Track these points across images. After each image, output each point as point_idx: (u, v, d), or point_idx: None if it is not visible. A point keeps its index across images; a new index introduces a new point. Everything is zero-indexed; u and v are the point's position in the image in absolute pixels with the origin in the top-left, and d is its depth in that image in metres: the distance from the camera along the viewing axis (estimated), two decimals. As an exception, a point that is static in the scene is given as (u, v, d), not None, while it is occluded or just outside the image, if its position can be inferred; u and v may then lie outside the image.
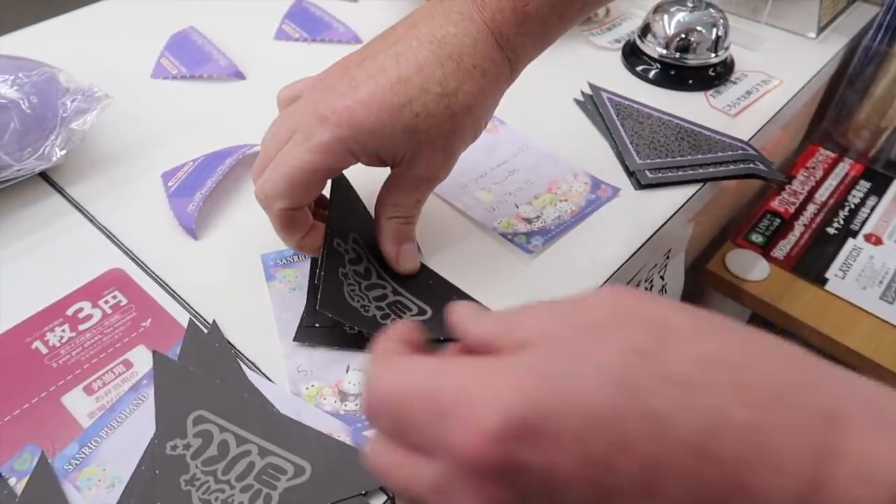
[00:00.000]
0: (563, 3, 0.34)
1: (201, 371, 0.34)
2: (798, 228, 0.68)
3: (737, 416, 0.18)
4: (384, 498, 0.30)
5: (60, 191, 0.45)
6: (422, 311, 0.37)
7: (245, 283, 0.39)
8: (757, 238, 0.68)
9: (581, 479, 0.18)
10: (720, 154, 0.49)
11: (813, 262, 0.65)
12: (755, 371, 0.19)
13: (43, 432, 0.32)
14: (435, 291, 0.39)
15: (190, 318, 0.37)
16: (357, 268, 0.38)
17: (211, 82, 0.55)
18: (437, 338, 0.35)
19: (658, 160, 0.48)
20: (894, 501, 0.16)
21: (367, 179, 0.40)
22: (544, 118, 0.52)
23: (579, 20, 0.37)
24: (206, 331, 0.36)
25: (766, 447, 0.17)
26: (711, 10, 0.56)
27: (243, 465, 0.30)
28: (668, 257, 0.51)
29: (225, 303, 0.38)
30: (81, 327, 0.37)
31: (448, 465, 0.20)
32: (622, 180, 0.47)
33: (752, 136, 0.52)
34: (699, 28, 0.56)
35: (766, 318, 0.64)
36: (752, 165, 0.48)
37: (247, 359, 0.35)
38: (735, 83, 0.58)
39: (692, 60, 0.56)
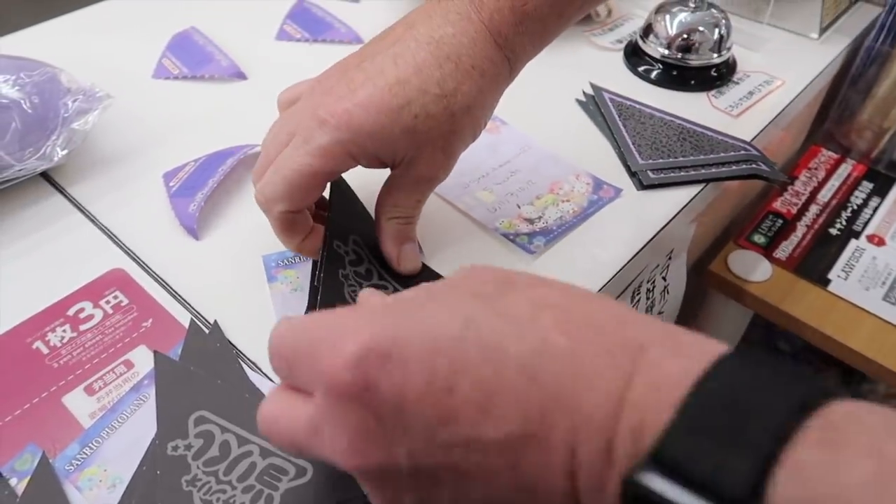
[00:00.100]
0: (561, 2, 0.34)
1: (203, 371, 0.34)
2: (800, 229, 0.68)
3: (558, 344, 0.21)
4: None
5: (62, 191, 0.45)
6: None
7: (246, 283, 0.39)
8: (759, 239, 0.67)
9: (426, 401, 0.21)
10: (722, 154, 0.49)
11: (815, 262, 0.65)
12: (576, 311, 0.22)
13: (44, 433, 0.32)
14: None
15: (191, 319, 0.37)
16: (358, 269, 0.38)
17: (212, 82, 0.55)
18: None
19: (660, 161, 0.48)
20: (674, 402, 0.18)
21: (366, 180, 0.40)
22: (546, 118, 0.52)
23: (578, 18, 0.37)
24: (207, 331, 0.36)
25: (581, 369, 0.20)
26: (713, 10, 0.56)
27: (245, 466, 0.30)
28: (670, 258, 0.51)
29: (226, 303, 0.38)
30: (82, 327, 0.37)
31: (319, 398, 0.23)
32: (624, 181, 0.47)
33: (755, 137, 0.52)
34: (701, 28, 0.56)
35: (769, 319, 0.64)
36: (754, 166, 0.48)
37: (248, 359, 0.35)
38: (737, 83, 0.58)
39: (694, 61, 0.56)
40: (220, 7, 0.65)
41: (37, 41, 0.59)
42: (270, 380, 0.34)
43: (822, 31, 0.64)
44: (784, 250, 0.66)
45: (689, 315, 0.71)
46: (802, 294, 0.63)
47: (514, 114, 0.51)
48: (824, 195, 0.71)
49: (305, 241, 0.37)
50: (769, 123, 0.54)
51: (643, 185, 0.46)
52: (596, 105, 0.54)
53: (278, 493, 0.30)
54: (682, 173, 0.47)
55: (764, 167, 0.48)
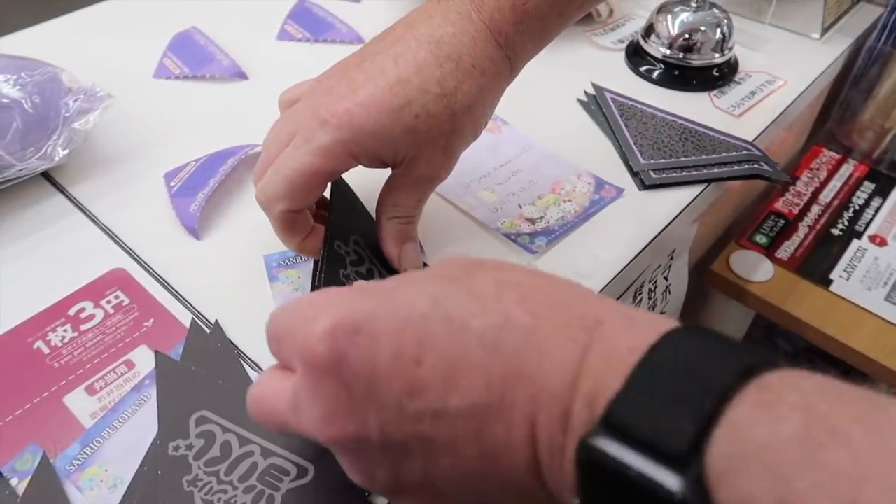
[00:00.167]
0: (562, 1, 0.34)
1: (204, 371, 0.34)
2: (802, 229, 0.68)
3: (519, 319, 0.22)
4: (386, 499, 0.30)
5: (63, 190, 0.45)
6: None
7: (247, 283, 0.39)
8: (761, 239, 0.67)
9: (394, 373, 0.22)
10: (724, 154, 0.49)
11: (817, 263, 0.65)
12: (539, 290, 0.23)
13: (45, 432, 0.32)
14: None
15: (192, 319, 0.37)
16: (359, 269, 0.37)
17: (213, 82, 0.55)
18: None
19: (662, 160, 0.48)
20: (625, 371, 0.19)
21: (367, 180, 0.40)
22: (548, 118, 0.52)
23: (578, 17, 0.37)
24: (208, 331, 0.36)
25: (541, 343, 0.21)
26: (715, 10, 0.56)
27: (246, 466, 0.30)
28: (672, 258, 0.51)
29: (227, 303, 0.38)
30: (83, 327, 0.36)
31: (299, 373, 0.24)
32: (626, 180, 0.47)
33: (757, 137, 0.52)
34: (703, 28, 0.56)
35: (770, 319, 0.64)
36: (756, 166, 0.48)
37: (249, 359, 0.35)
38: (739, 83, 0.58)
39: (696, 61, 0.56)
40: (222, 7, 0.65)
41: (38, 41, 0.59)
42: (271, 380, 0.34)
43: (824, 31, 0.64)
44: (786, 250, 0.66)
45: (691, 315, 0.71)
46: (804, 294, 0.62)
47: (515, 113, 0.51)
48: (826, 195, 0.71)
49: (306, 240, 0.37)
50: (771, 123, 0.54)
51: (645, 185, 0.46)
52: (598, 105, 0.53)
53: (279, 493, 0.29)
54: (684, 173, 0.47)
55: (766, 167, 0.48)
